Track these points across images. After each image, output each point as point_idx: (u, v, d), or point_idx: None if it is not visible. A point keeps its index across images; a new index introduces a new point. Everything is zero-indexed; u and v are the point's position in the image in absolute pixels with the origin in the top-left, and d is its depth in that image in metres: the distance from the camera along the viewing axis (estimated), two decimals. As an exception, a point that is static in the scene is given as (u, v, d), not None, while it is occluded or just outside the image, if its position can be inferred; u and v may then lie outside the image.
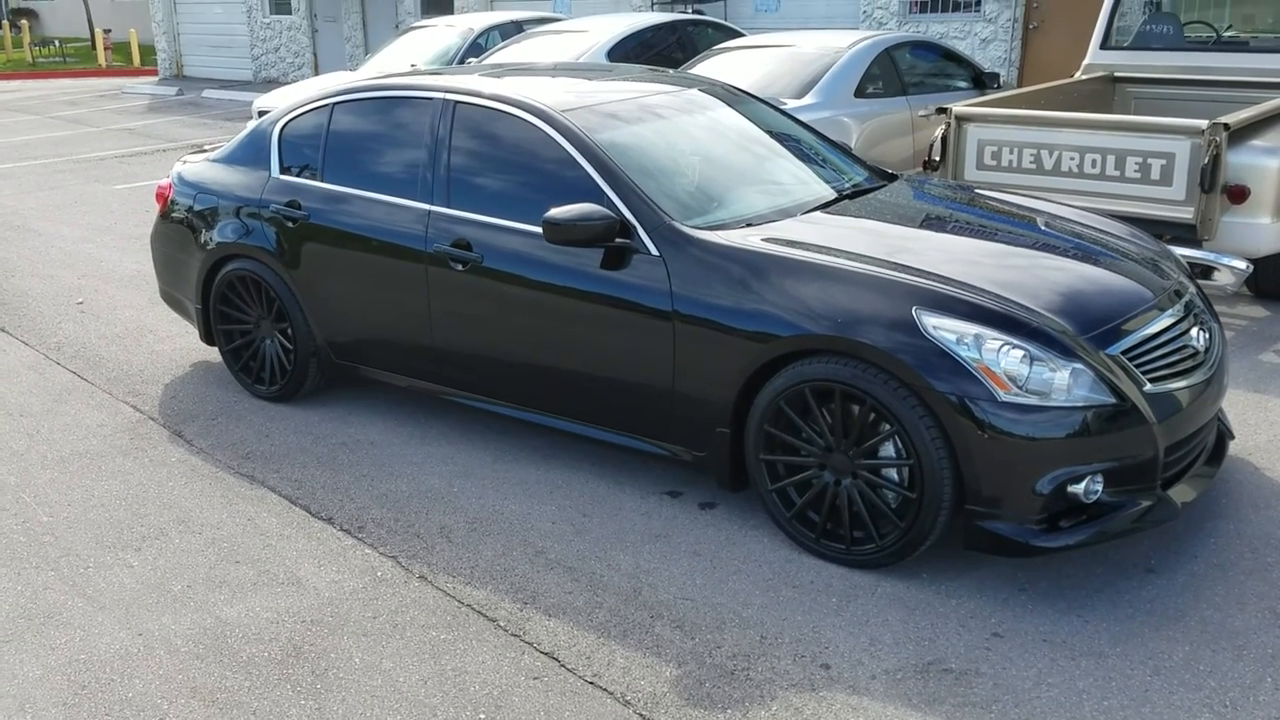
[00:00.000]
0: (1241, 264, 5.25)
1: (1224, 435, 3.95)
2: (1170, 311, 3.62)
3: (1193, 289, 3.93)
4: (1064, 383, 3.23)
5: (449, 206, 4.36)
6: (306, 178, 4.84)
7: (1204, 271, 5.29)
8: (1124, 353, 3.40)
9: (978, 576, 3.46)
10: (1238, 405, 4.66)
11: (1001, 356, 3.25)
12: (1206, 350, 3.67)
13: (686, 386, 3.78)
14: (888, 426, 3.40)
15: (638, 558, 3.65)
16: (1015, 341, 3.26)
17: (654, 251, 3.84)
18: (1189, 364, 3.55)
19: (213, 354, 5.66)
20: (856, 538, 3.53)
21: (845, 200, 4.30)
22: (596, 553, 3.69)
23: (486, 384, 4.37)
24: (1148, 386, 3.37)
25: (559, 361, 4.11)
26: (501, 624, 3.29)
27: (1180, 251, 5.21)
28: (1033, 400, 3.22)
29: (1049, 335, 3.29)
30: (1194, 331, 3.66)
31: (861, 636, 3.18)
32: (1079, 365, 3.26)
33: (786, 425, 3.61)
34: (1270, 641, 3.09)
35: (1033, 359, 3.24)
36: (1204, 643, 3.09)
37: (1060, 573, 3.46)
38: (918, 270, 3.53)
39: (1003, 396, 3.22)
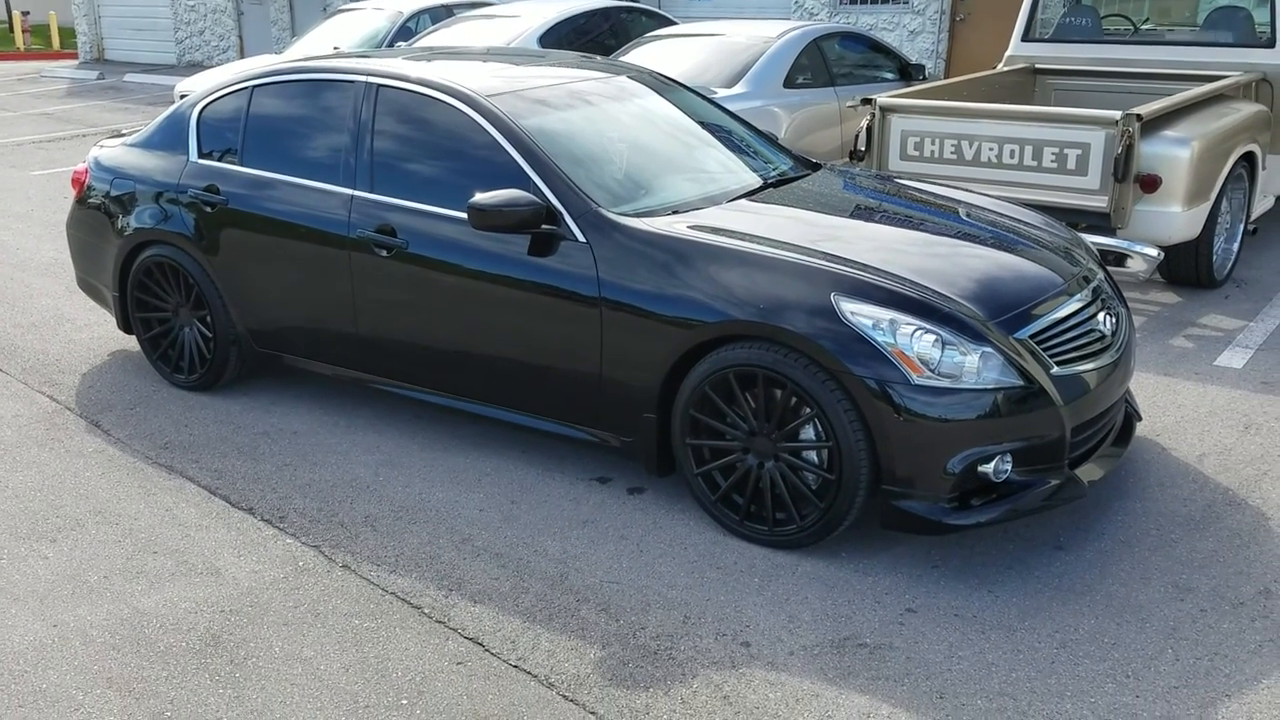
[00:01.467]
0: (1153, 251, 5.42)
1: (1131, 416, 4.08)
2: (1078, 296, 3.74)
3: (1101, 275, 4.06)
4: (974, 366, 3.32)
5: (373, 191, 4.33)
6: (226, 162, 4.77)
7: (1117, 259, 5.45)
8: (1032, 336, 3.50)
9: (894, 554, 3.54)
10: (1147, 388, 4.82)
11: (915, 341, 3.32)
12: (1113, 334, 3.79)
13: (614, 372, 3.81)
14: (808, 410, 3.46)
15: (565, 543, 3.67)
16: (928, 326, 3.34)
17: (580, 238, 3.86)
18: (1096, 347, 3.67)
19: (131, 343, 5.56)
20: (779, 519, 3.60)
21: (771, 189, 4.36)
22: (524, 539, 3.71)
23: (413, 372, 4.36)
24: (1055, 369, 3.48)
25: (486, 348, 4.11)
26: (426, 611, 3.29)
27: (1094, 240, 5.36)
28: (944, 383, 3.30)
29: (960, 320, 3.38)
30: (1101, 316, 3.78)
31: (781, 614, 3.24)
32: (988, 349, 3.35)
33: (711, 410, 3.66)
34: (1172, 615, 3.21)
35: (944, 343, 3.32)
36: (1109, 616, 3.21)
37: (972, 550, 3.56)
38: (838, 258, 3.59)
39: (916, 380, 3.29)
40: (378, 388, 4.50)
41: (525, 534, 3.74)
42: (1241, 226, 6.41)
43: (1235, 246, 6.38)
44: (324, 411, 4.75)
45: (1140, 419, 4.17)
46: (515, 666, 3.03)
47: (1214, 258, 6.13)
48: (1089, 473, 3.61)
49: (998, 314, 3.48)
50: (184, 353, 4.99)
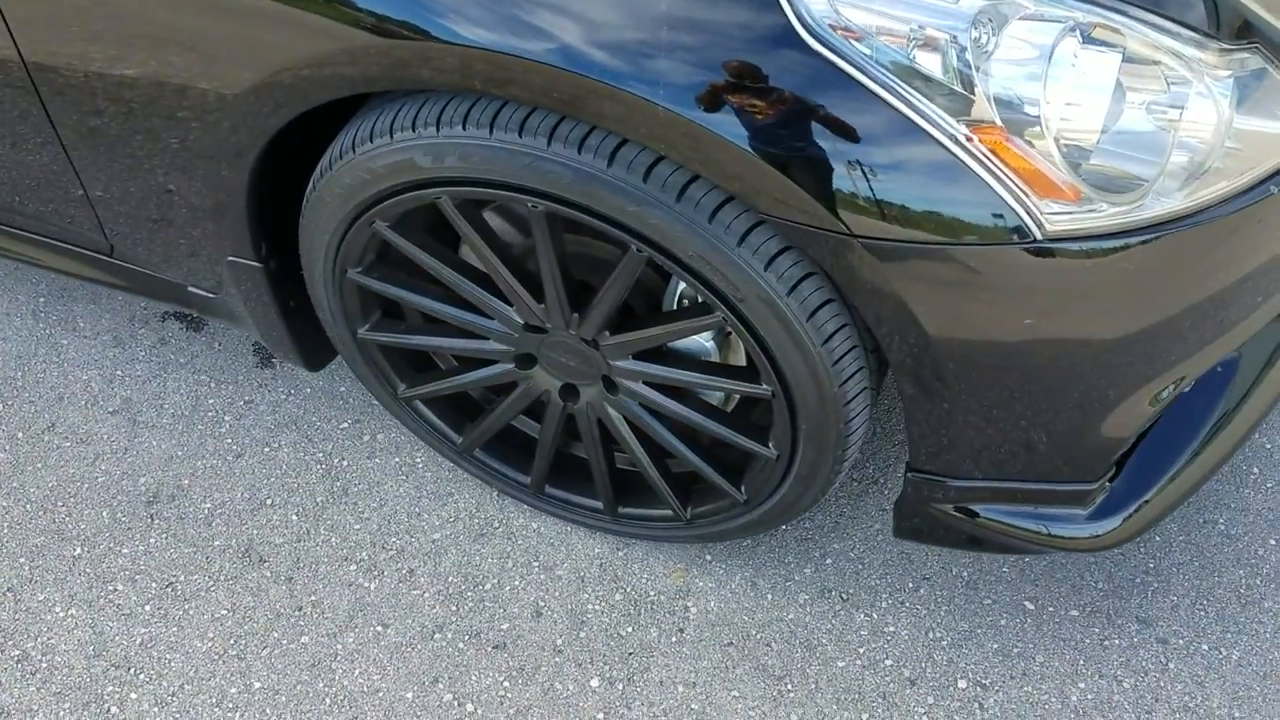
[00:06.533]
0: None
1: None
2: None
3: None
4: (1208, 124, 1.02)
5: None
6: None
7: None
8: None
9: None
10: None
11: (1055, 77, 0.96)
12: None
13: (84, 123, 1.29)
14: (693, 296, 1.18)
15: (93, 607, 1.47)
16: (1090, 17, 0.97)
17: None
18: None
19: None
20: (629, 489, 1.46)
21: None
22: None
23: None
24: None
25: None
26: None
27: None
28: (1121, 210, 1.01)
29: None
30: None
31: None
32: (1248, 57, 1.03)
33: (401, 266, 1.31)
34: None
35: (1125, 58, 0.98)
36: None
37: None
38: None
39: (1057, 222, 1.00)
40: None
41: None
42: None
43: None
44: None
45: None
46: None
47: None
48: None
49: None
50: None
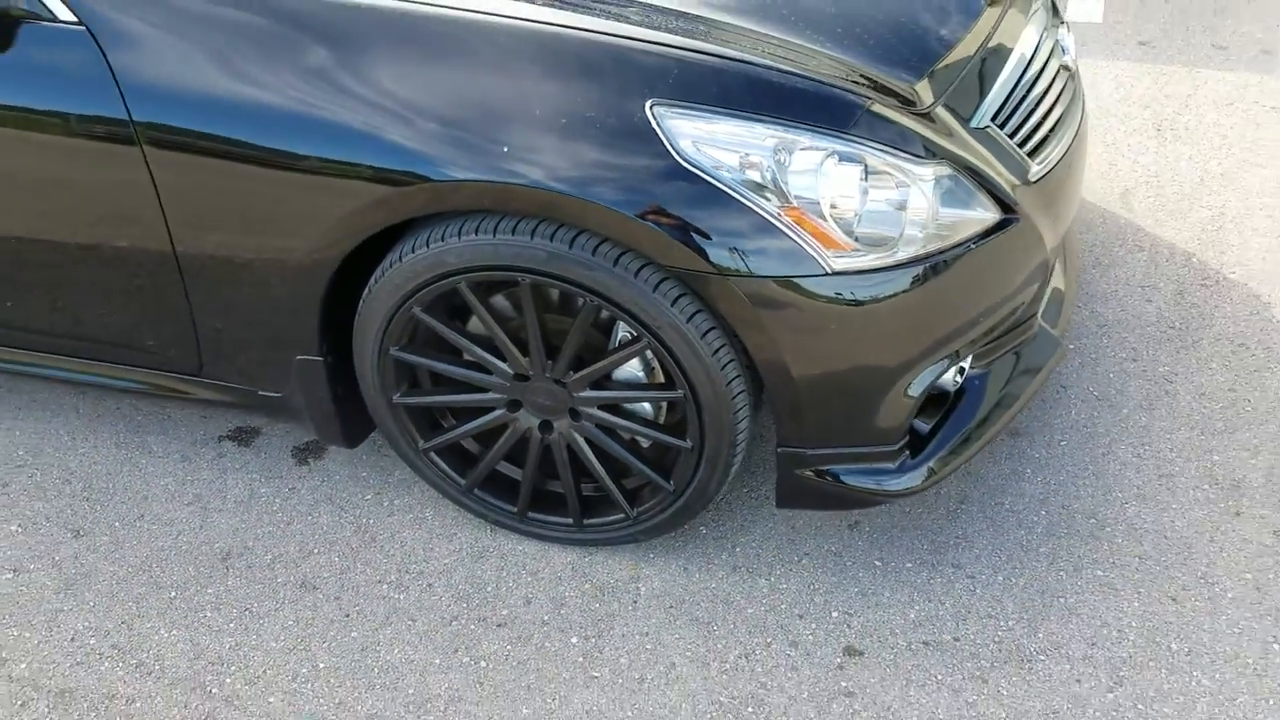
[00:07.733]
0: None
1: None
2: (1034, 16, 2.15)
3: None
4: (923, 208, 1.74)
5: None
6: None
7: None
8: (996, 116, 1.93)
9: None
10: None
11: (824, 180, 1.68)
12: (1075, 66, 2.29)
13: (210, 275, 1.92)
14: (627, 333, 1.82)
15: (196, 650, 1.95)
16: (843, 147, 1.69)
17: (64, 11, 1.79)
18: (1065, 103, 2.16)
19: None
20: (590, 501, 2.03)
21: None
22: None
23: None
24: (1035, 168, 1.96)
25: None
26: None
27: None
28: (877, 257, 1.71)
29: (889, 123, 1.74)
30: (1064, 36, 2.24)
31: (646, 730, 1.78)
32: (942, 168, 1.76)
33: (430, 342, 1.93)
34: (1231, 549, 2.03)
35: (868, 172, 1.70)
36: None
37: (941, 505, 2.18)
38: (646, 16, 1.78)
39: (837, 263, 1.69)
40: None
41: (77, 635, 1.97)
42: None
43: None
44: None
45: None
46: None
47: None
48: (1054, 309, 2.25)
49: (943, 84, 1.86)
50: None
